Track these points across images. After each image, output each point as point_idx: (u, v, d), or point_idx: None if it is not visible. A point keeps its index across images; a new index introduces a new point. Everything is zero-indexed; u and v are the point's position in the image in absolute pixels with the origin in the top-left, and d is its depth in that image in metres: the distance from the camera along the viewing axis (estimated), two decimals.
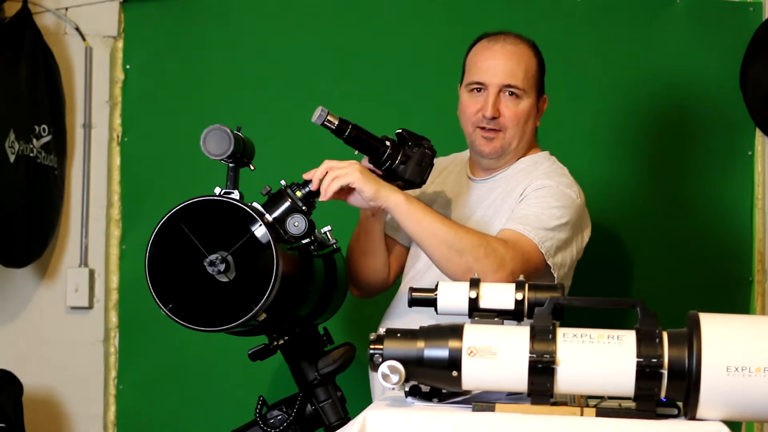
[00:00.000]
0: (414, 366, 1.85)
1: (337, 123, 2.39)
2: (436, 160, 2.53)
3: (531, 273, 2.34)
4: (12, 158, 3.36)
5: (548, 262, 2.41)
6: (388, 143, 2.46)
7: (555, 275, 2.44)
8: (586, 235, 2.59)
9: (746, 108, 3.39)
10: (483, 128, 2.56)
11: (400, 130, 2.49)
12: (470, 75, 2.58)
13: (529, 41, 2.60)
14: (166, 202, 2.28)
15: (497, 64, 2.54)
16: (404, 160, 2.46)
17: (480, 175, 2.66)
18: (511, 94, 2.53)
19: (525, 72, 2.54)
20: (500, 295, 1.97)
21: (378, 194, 2.35)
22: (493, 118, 2.54)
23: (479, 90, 2.55)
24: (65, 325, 3.55)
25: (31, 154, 3.42)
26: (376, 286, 2.75)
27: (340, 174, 2.33)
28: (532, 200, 2.48)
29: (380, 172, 2.47)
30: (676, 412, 1.85)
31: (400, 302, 2.63)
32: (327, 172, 2.34)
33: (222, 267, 2.17)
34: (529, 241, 2.38)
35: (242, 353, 2.45)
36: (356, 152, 2.45)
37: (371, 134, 2.45)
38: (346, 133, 2.41)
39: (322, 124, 2.39)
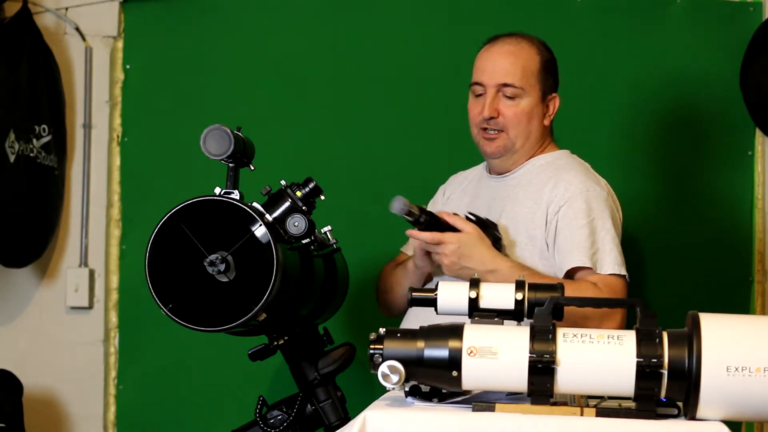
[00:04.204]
0: (414, 366, 1.85)
1: (417, 214, 2.40)
2: (461, 172, 2.67)
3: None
4: (12, 158, 3.36)
5: (624, 274, 2.52)
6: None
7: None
8: (620, 215, 2.63)
9: (746, 108, 3.38)
10: (485, 129, 2.59)
11: (470, 216, 2.50)
12: (473, 77, 2.63)
13: (533, 40, 2.63)
14: (166, 202, 2.28)
15: (494, 64, 2.59)
16: None
17: (498, 173, 2.67)
18: (510, 95, 2.56)
19: (523, 70, 2.57)
20: (500, 295, 1.96)
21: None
22: (492, 118, 2.57)
23: (481, 94, 2.60)
24: (65, 325, 3.54)
25: (31, 154, 3.42)
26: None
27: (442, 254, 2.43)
28: (576, 221, 2.49)
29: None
30: (676, 412, 1.85)
31: None
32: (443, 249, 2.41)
33: (222, 267, 2.17)
34: (611, 277, 2.50)
35: (242, 353, 2.45)
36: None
37: (441, 220, 2.45)
38: (422, 223, 2.42)
39: (402, 215, 2.38)
